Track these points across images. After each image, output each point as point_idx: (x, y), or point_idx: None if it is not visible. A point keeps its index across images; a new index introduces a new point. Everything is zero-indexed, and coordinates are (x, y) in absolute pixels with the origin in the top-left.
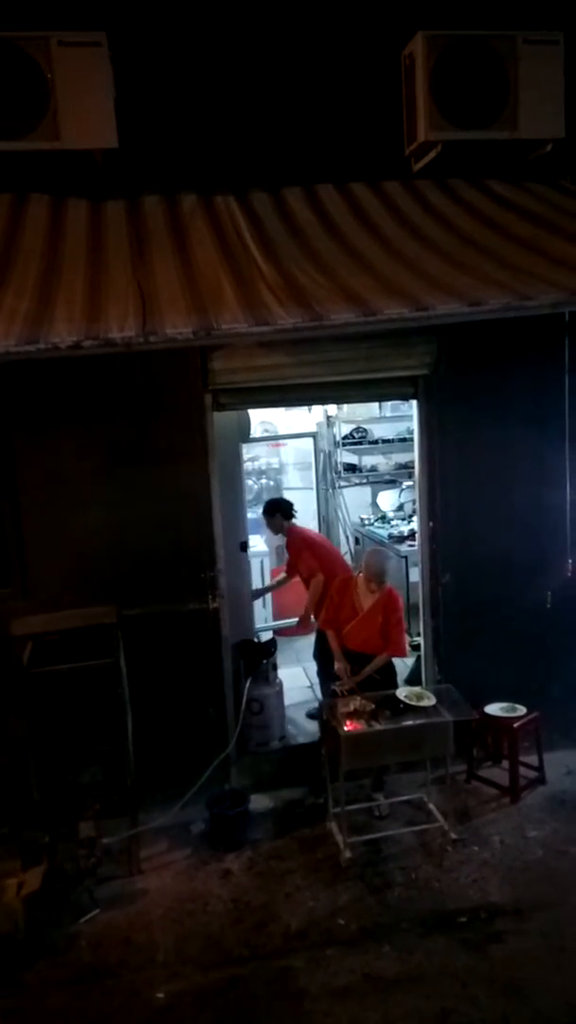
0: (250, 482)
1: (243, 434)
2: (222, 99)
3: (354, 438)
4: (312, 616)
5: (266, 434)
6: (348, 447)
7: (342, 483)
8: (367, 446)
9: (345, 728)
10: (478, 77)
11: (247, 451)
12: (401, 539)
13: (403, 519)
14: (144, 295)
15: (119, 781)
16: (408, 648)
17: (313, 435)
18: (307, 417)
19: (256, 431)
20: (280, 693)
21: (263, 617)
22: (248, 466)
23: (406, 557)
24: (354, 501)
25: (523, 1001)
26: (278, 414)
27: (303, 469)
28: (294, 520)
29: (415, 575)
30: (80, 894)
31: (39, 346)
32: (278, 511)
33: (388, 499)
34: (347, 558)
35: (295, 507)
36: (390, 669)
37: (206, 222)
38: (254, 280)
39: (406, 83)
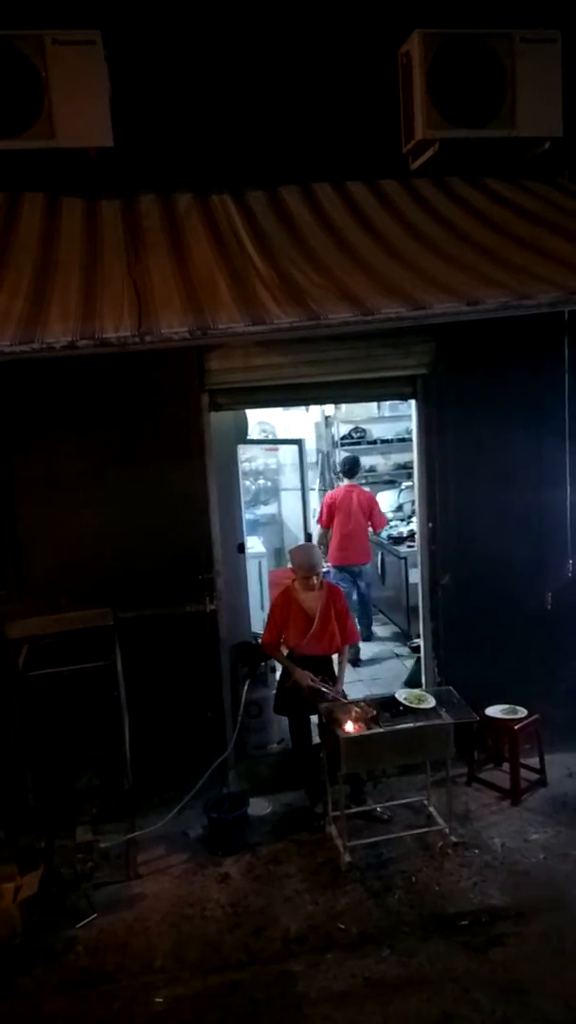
0: (247, 483)
1: (240, 435)
2: (218, 97)
3: (352, 438)
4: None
5: (263, 435)
6: (347, 447)
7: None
8: (366, 446)
9: (344, 731)
10: (475, 75)
11: (242, 452)
12: (400, 540)
13: (402, 520)
14: (139, 294)
15: (116, 785)
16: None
17: (299, 442)
18: (304, 417)
19: (254, 432)
20: None
21: (261, 619)
22: (244, 467)
23: (405, 558)
24: None
25: (524, 1004)
26: (276, 414)
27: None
28: (354, 480)
29: (414, 576)
30: (77, 899)
31: (34, 346)
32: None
33: (387, 500)
34: None
35: (358, 466)
36: (329, 663)
37: (202, 221)
38: (250, 279)
39: (403, 81)
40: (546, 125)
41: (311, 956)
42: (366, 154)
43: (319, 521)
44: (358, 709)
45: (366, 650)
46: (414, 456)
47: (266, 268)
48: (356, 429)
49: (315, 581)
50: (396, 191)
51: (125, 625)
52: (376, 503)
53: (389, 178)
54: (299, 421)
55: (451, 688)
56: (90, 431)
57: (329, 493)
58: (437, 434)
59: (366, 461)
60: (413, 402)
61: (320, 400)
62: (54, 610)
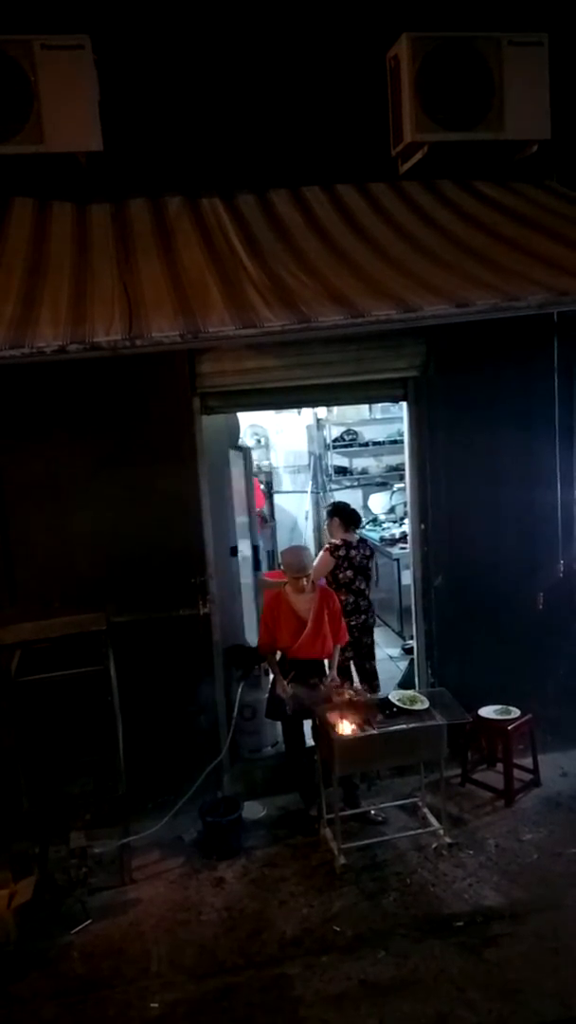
0: None
1: (232, 437)
2: (207, 101)
3: (344, 440)
4: None
5: (255, 438)
6: (339, 450)
7: (333, 486)
8: (357, 448)
9: (338, 733)
10: (463, 78)
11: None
12: (393, 542)
13: (394, 522)
14: (130, 298)
15: (110, 790)
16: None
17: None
18: (296, 420)
19: (246, 434)
20: None
21: (254, 622)
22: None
23: (398, 560)
24: None
25: (519, 1004)
26: (268, 417)
27: (294, 472)
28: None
29: (407, 578)
30: (72, 905)
31: (24, 350)
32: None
33: (379, 501)
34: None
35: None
36: (322, 666)
37: (192, 224)
38: (241, 282)
39: (392, 85)
40: (534, 127)
41: (307, 959)
42: (355, 157)
43: None
44: (351, 694)
45: None
46: (406, 458)
47: (256, 271)
48: (348, 431)
49: (305, 583)
50: (385, 194)
51: (118, 629)
52: None
53: (379, 181)
54: (291, 424)
55: (444, 689)
56: (82, 434)
57: None
58: (428, 436)
59: (358, 463)
60: (404, 404)
61: (312, 403)
62: (47, 615)
